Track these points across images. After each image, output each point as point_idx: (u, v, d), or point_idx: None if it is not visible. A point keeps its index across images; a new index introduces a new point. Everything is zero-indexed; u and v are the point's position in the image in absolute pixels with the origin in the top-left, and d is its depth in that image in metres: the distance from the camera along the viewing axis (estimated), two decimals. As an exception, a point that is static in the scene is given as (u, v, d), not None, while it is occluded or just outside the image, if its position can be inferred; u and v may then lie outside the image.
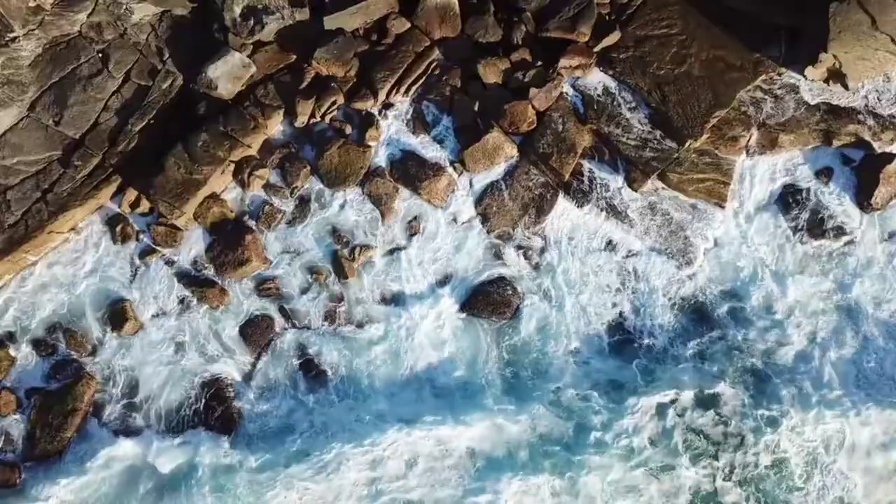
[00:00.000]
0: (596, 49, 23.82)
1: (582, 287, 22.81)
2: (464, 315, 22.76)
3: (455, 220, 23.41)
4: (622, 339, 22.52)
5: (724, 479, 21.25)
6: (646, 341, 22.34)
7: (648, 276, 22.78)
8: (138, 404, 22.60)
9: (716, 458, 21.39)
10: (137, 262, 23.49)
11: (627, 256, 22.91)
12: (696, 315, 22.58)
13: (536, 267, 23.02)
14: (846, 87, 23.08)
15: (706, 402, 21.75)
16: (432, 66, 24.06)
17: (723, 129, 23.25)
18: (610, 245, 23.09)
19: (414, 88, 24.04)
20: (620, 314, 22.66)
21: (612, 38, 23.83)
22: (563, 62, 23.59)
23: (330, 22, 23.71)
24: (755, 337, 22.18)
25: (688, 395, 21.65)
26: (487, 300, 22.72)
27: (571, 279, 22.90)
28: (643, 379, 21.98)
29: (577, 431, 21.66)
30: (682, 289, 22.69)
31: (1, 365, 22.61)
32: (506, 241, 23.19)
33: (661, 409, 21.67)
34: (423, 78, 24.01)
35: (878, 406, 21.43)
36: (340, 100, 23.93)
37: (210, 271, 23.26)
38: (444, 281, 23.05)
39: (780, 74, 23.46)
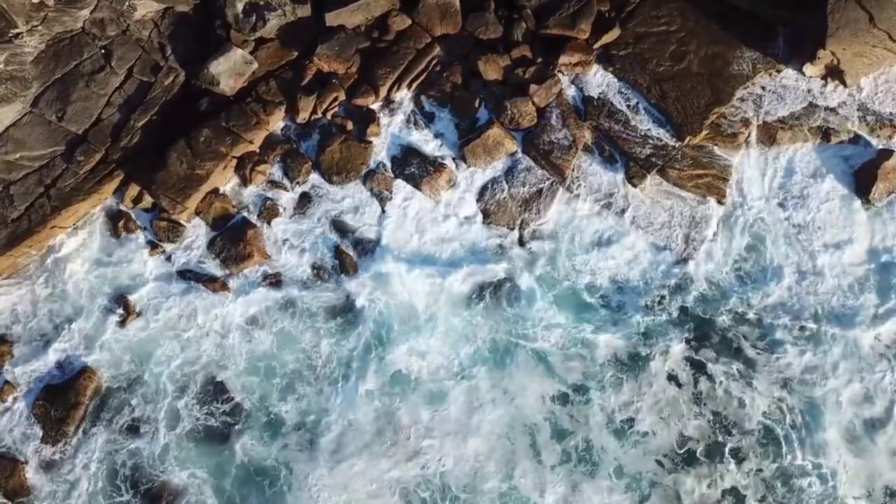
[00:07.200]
0: (596, 46, 23.97)
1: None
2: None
3: (456, 215, 23.57)
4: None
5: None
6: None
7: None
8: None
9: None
10: (139, 256, 23.63)
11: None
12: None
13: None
14: (844, 83, 23.22)
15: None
16: (433, 62, 24.20)
17: (721, 125, 23.40)
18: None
19: (415, 85, 24.19)
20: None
21: (612, 35, 23.97)
22: (563, 59, 23.75)
23: (331, 18, 23.85)
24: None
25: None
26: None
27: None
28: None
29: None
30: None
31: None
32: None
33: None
34: (424, 74, 24.16)
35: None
36: (342, 96, 24.07)
37: (212, 266, 23.42)
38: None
39: (778, 71, 23.59)
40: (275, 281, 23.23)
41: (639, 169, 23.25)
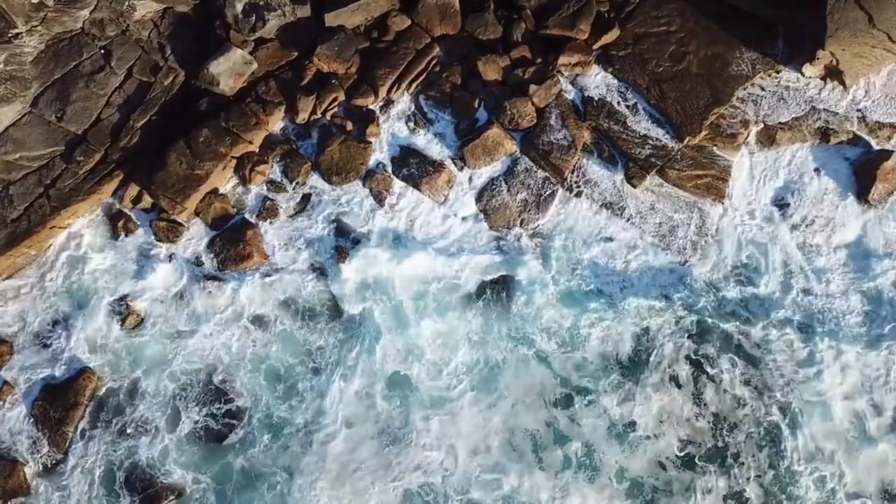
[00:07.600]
0: (595, 46, 23.98)
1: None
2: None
3: (456, 215, 23.56)
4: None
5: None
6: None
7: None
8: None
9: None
10: (139, 257, 23.62)
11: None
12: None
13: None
14: (844, 84, 23.23)
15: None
16: (433, 62, 24.22)
17: (721, 126, 23.40)
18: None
19: (414, 85, 24.20)
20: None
21: (612, 35, 23.98)
22: (563, 59, 23.76)
23: (331, 19, 23.87)
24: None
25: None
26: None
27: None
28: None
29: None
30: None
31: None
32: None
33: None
34: (424, 75, 24.16)
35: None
36: (341, 96, 24.08)
37: (211, 266, 23.39)
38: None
39: (778, 72, 23.60)
40: (274, 281, 23.20)
41: (638, 169, 23.25)
